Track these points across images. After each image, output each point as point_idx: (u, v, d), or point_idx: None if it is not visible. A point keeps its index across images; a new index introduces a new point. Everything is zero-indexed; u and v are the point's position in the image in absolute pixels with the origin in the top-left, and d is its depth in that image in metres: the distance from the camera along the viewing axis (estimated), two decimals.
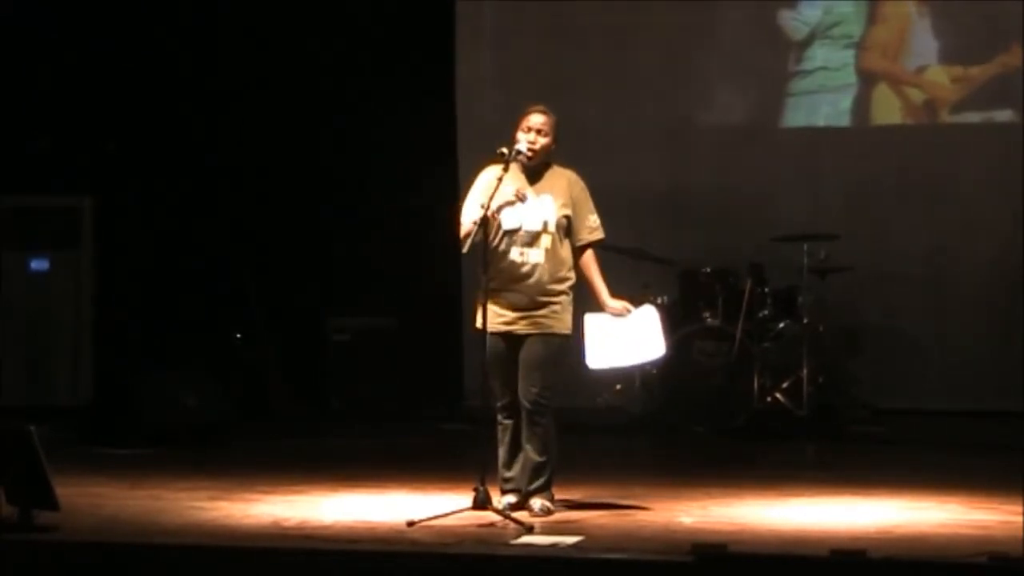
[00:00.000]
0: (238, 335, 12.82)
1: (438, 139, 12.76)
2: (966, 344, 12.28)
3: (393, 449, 10.61)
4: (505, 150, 7.56)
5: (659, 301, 11.16)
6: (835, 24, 12.78)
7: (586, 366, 7.88)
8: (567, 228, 7.65)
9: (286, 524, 7.35)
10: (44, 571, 6.74)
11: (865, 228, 12.23)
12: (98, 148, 12.63)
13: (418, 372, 12.38)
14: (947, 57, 12.66)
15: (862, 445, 10.98)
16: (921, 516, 7.63)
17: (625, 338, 7.76)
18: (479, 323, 7.55)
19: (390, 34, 12.88)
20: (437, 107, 12.90)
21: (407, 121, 12.49)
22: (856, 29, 12.79)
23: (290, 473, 8.96)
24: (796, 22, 12.85)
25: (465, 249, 7.52)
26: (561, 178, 7.70)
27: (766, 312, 11.63)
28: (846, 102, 12.82)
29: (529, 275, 7.57)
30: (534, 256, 7.57)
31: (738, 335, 11.33)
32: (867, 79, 12.79)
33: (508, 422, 7.67)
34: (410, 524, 7.09)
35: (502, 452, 7.68)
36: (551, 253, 7.59)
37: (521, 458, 7.63)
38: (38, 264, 12.35)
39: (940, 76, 12.70)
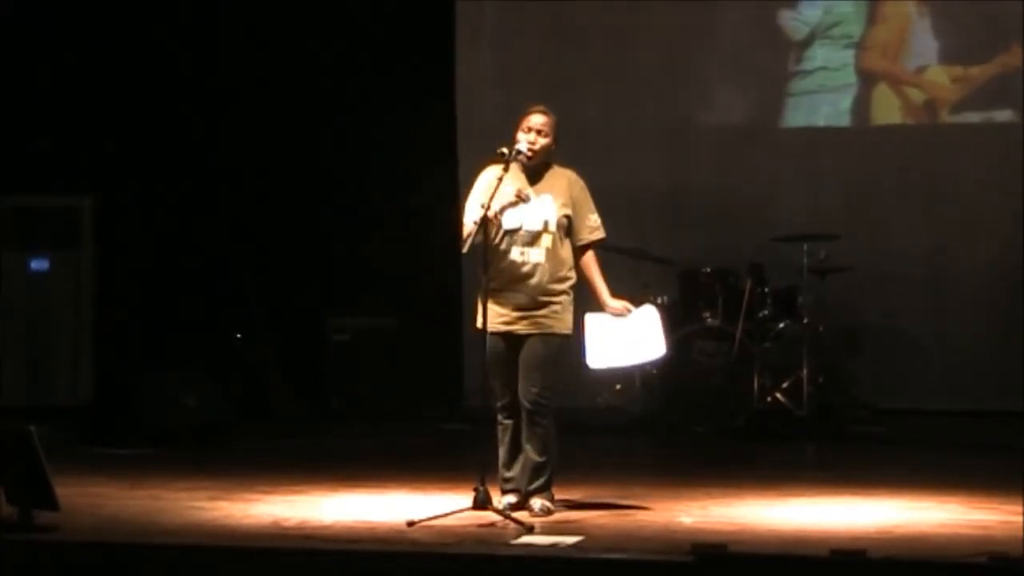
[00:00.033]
0: (238, 335, 12.82)
1: (438, 139, 12.76)
2: (966, 344, 12.28)
3: (393, 449, 10.61)
4: (505, 150, 7.56)
5: (659, 301, 11.16)
6: (835, 24, 12.78)
7: (586, 366, 7.88)
8: (567, 228, 7.66)
9: (286, 524, 7.35)
10: (44, 571, 6.74)
11: (865, 228, 12.23)
12: (98, 148, 12.63)
13: (418, 372, 12.38)
14: (947, 57, 12.66)
15: (862, 445, 10.98)
16: (921, 516, 7.63)
17: (625, 338, 7.76)
18: (479, 323, 7.55)
19: (390, 34, 12.88)
20: (437, 107, 12.90)
21: (407, 121, 12.49)
22: (856, 29, 12.79)
23: (290, 473, 8.96)
24: (796, 22, 12.85)
25: (465, 249, 7.52)
26: (561, 178, 7.70)
27: (766, 312, 11.63)
28: (846, 102, 12.82)
29: (530, 275, 7.57)
30: (535, 256, 7.57)
31: (738, 335, 11.33)
32: (867, 79, 12.80)
33: (508, 422, 7.67)
34: (410, 524, 7.09)
35: (502, 452, 7.68)
36: (552, 253, 7.59)
37: (521, 458, 7.63)
38: (38, 264, 12.35)
39: (940, 76, 12.70)
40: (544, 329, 7.56)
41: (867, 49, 12.79)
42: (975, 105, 12.61)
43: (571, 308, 7.65)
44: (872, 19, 12.81)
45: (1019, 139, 12.12)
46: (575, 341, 7.70)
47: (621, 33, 12.89)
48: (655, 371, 11.21)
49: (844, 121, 12.86)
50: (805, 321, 11.48)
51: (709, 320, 11.58)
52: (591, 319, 7.78)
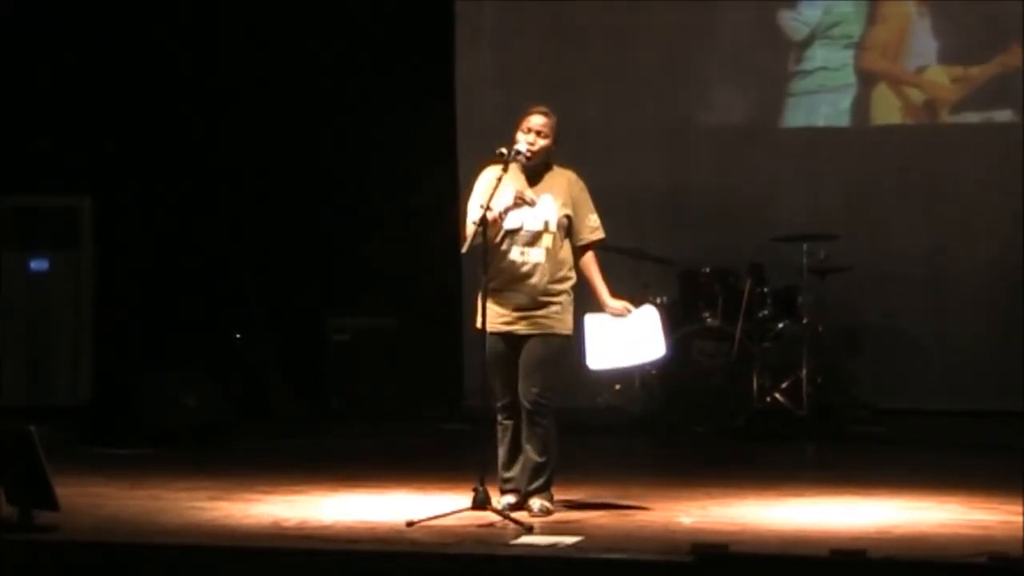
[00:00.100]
0: (238, 335, 12.82)
1: (438, 139, 12.76)
2: (966, 344, 12.28)
3: (393, 449, 10.61)
4: (504, 150, 7.56)
5: (659, 301, 11.16)
6: (835, 24, 12.78)
7: (586, 366, 7.88)
8: (568, 228, 7.66)
9: (286, 524, 7.35)
10: (44, 571, 6.74)
11: (865, 228, 12.23)
12: (98, 148, 12.63)
13: (418, 372, 12.38)
14: (947, 57, 12.66)
15: (862, 445, 10.98)
16: (921, 516, 7.63)
17: (625, 338, 7.76)
18: (479, 323, 7.55)
19: (390, 34, 12.88)
20: (437, 107, 12.90)
21: (407, 121, 12.49)
22: (856, 29, 12.79)
23: (290, 473, 8.96)
24: (796, 22, 12.85)
25: (465, 249, 7.51)
26: (561, 178, 7.70)
27: (766, 312, 11.63)
28: (846, 102, 12.82)
29: (530, 275, 7.57)
30: (535, 256, 7.57)
31: (738, 335, 11.33)
32: (867, 79, 12.79)
33: (508, 422, 7.67)
34: (410, 524, 7.09)
35: (502, 452, 7.68)
36: (552, 253, 7.59)
37: (521, 459, 7.63)
38: (38, 264, 12.36)
39: (940, 76, 12.70)
40: (544, 329, 7.56)
41: (867, 49, 12.79)
42: (975, 105, 12.61)
43: (571, 308, 7.65)
44: (872, 19, 12.81)
45: (1019, 139, 12.12)
46: (575, 341, 7.70)
47: (621, 33, 12.89)
48: (655, 371, 11.21)
49: (844, 121, 12.86)
50: (805, 321, 11.48)
51: (709, 320, 11.58)
52: (591, 319, 7.78)
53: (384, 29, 12.88)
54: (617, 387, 11.61)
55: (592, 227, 7.71)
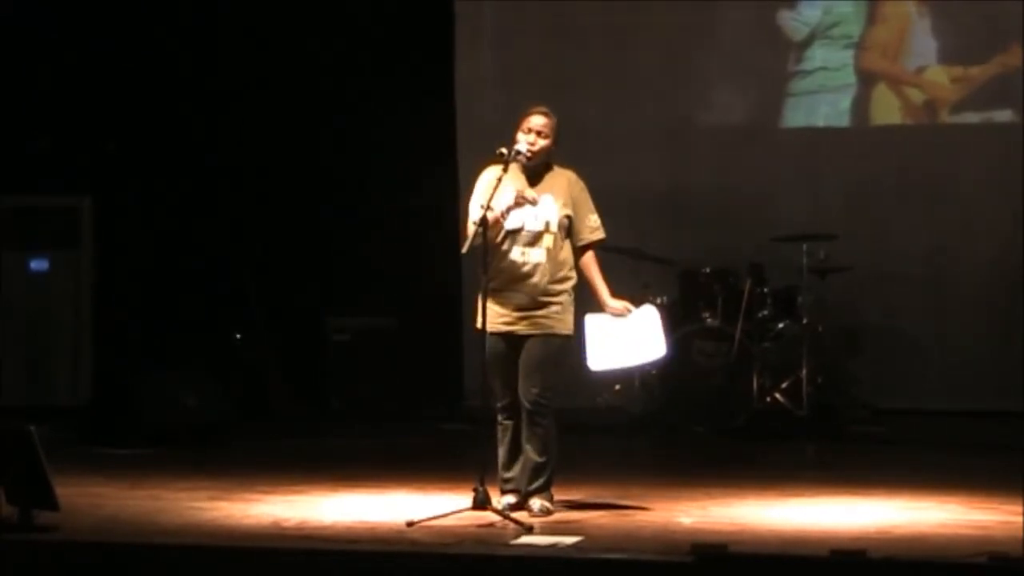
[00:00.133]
0: (238, 335, 12.82)
1: (438, 139, 12.76)
2: (966, 344, 12.28)
3: (393, 449, 10.61)
4: (505, 150, 7.56)
5: (659, 301, 11.16)
6: (835, 24, 12.78)
7: (587, 367, 7.88)
8: (568, 228, 7.66)
9: (286, 524, 7.35)
10: (44, 571, 6.75)
11: (865, 228, 12.23)
12: (98, 148, 12.63)
13: (418, 372, 12.38)
14: (947, 57, 12.66)
15: (862, 445, 10.98)
16: (921, 516, 7.63)
17: (625, 338, 7.76)
18: (479, 323, 7.55)
19: (390, 34, 12.88)
20: (437, 107, 12.90)
21: (407, 121, 12.49)
22: (856, 29, 12.79)
23: (290, 473, 8.96)
24: (796, 22, 12.85)
25: (465, 249, 7.51)
26: (561, 178, 7.70)
27: (766, 312, 11.63)
28: (846, 102, 12.82)
29: (530, 275, 7.57)
30: (535, 256, 7.57)
31: (738, 335, 11.33)
32: (867, 79, 12.79)
33: (508, 422, 7.67)
34: (410, 524, 7.09)
35: (502, 452, 7.68)
36: (552, 253, 7.59)
37: (521, 459, 7.63)
38: (38, 264, 12.36)
39: (940, 76, 12.70)
40: (544, 329, 7.56)
41: (867, 49, 12.79)
42: (975, 105, 12.61)
43: (571, 308, 7.65)
44: (872, 19, 12.81)
45: (1019, 139, 12.12)
46: (575, 341, 7.70)
47: (621, 33, 12.89)
48: (655, 371, 11.21)
49: (844, 121, 12.86)
50: (805, 321, 11.48)
51: (709, 320, 11.58)
52: (591, 320, 7.78)
53: (384, 29, 12.88)
54: (617, 387, 11.62)
55: (592, 227, 7.71)
